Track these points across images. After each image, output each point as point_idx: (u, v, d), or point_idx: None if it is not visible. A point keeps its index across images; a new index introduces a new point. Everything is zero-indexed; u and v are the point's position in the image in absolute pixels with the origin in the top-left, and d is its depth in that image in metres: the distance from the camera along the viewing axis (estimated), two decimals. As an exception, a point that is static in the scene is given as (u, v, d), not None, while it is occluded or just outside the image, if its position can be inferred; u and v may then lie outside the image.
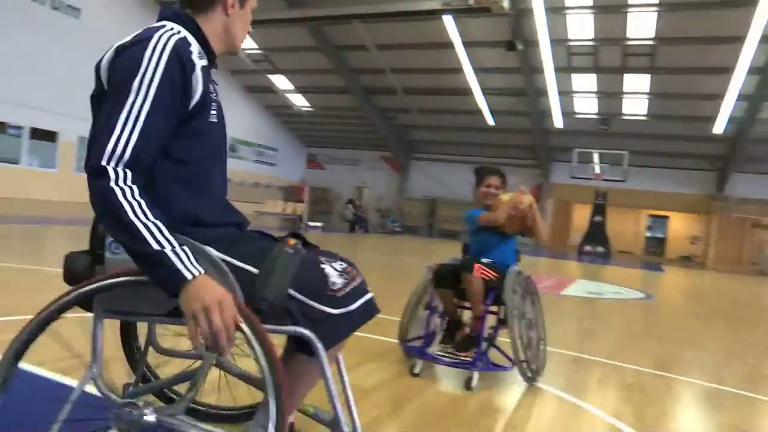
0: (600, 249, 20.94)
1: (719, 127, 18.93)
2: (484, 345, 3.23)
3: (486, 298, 3.22)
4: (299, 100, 24.95)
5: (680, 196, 23.06)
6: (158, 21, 1.46)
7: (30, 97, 16.45)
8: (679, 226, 25.32)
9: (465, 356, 3.26)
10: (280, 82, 23.63)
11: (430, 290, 3.43)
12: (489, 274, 3.21)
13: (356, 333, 1.57)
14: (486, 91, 20.14)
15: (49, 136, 17.86)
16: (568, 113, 20.85)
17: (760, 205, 22.01)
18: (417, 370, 3.16)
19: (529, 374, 3.16)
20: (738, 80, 16.09)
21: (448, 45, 17.65)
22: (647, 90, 19.03)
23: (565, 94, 19.78)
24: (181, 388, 1.68)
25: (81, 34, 17.32)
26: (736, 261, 22.69)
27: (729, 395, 3.52)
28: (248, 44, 21.04)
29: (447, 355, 3.30)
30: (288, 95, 24.47)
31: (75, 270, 1.48)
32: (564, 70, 18.33)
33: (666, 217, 25.78)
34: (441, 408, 2.76)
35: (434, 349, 3.35)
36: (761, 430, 3.06)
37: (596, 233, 21.42)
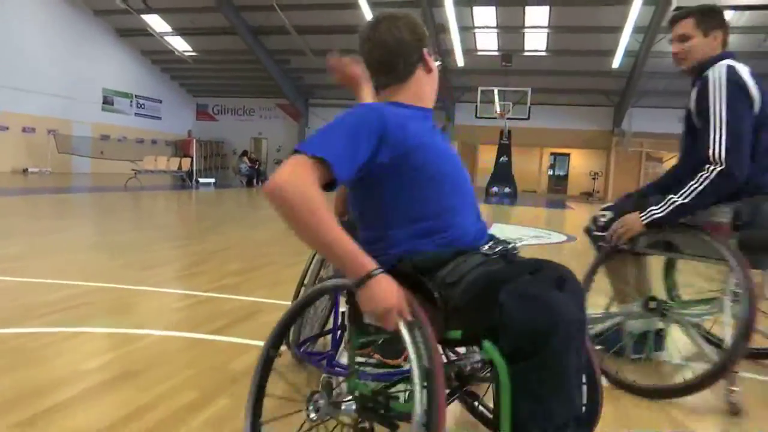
0: (507, 189, 20.69)
1: (616, 62, 18.83)
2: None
3: None
4: (180, 44, 22.38)
5: (580, 133, 23.20)
6: None
7: None
8: (580, 162, 25.72)
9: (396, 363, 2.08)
10: (155, 22, 20.96)
11: None
12: None
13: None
14: (384, 28, 18.78)
15: None
16: (469, 51, 20.01)
17: (653, 139, 22.57)
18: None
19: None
20: (635, 11, 15.79)
21: (340, -24, 16.09)
22: (547, 23, 18.50)
23: (466, 30, 18.86)
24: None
25: None
26: (633, 193, 23.35)
27: None
28: (111, -22, 18.30)
29: (371, 364, 2.05)
30: (167, 38, 21.83)
31: None
32: (463, 3, 17.32)
33: (567, 155, 26.09)
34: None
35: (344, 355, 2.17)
36: None
37: (502, 174, 21.11)
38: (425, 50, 1.54)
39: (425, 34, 1.56)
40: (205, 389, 2.14)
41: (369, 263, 1.22)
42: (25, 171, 18.95)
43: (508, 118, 20.68)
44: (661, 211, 2.20)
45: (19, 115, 18.80)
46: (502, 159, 21.30)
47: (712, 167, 2.12)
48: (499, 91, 20.51)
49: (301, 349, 2.35)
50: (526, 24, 18.58)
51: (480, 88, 20.49)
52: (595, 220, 2.61)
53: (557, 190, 26.11)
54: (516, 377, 1.18)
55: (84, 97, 21.39)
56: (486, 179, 21.95)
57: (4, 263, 4.25)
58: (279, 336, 1.53)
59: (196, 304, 3.44)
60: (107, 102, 22.89)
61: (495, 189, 20.82)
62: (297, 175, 1.20)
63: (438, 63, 1.60)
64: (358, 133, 1.31)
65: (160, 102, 25.74)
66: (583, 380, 1.37)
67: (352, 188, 1.45)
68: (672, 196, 2.19)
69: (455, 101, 23.72)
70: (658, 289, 2.67)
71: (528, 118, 20.39)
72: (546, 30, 18.85)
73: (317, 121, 25.61)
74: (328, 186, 1.29)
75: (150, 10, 20.00)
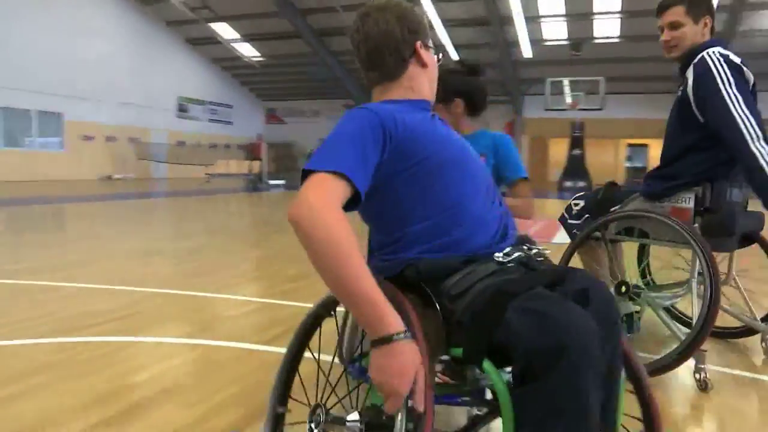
0: (581, 183, 19.87)
1: (697, 44, 17.64)
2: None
3: None
4: (247, 50, 22.95)
5: (659, 122, 21.80)
6: None
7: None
8: (659, 153, 24.37)
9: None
10: (224, 30, 21.58)
11: None
12: None
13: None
14: (447, 23, 18.48)
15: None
16: (536, 41, 19.34)
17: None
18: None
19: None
20: (718, -12, 14.73)
21: (402, -28, 15.90)
22: (619, 8, 17.58)
23: (533, 19, 18.23)
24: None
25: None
26: (719, 184, 21.91)
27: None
28: (181, -10, 18.98)
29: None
30: (234, 45, 22.44)
31: None
32: (530, -8, 16.77)
33: (645, 146, 24.79)
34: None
35: None
36: None
37: (575, 167, 20.30)
38: (418, 43, 1.40)
39: (420, 25, 1.41)
40: (251, 407, 2.02)
41: (394, 323, 1.01)
42: (109, 177, 20.00)
43: (579, 109, 19.84)
44: None
45: (102, 126, 19.85)
46: (574, 152, 20.51)
47: (759, 144, 2.05)
48: (569, 81, 19.70)
49: (356, 366, 2.19)
50: (596, 10, 17.73)
51: (549, 80, 19.74)
52: (568, 208, 2.74)
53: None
54: (521, 403, 1.04)
55: (160, 106, 22.34)
56: (558, 174, 21.19)
57: (70, 269, 4.37)
58: (284, 388, 1.37)
59: (252, 312, 3.37)
60: (182, 109, 23.79)
61: (568, 183, 20.05)
62: (321, 201, 1.06)
63: (439, 56, 1.48)
64: (363, 138, 1.20)
65: (231, 107, 26.50)
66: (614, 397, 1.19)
67: None
68: None
69: (523, 94, 23.04)
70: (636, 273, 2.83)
71: (601, 109, 19.46)
72: (618, 15, 17.91)
73: (383, 120, 25.57)
74: (351, 202, 1.16)
75: (218, 18, 20.61)
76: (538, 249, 1.31)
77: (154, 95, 21.81)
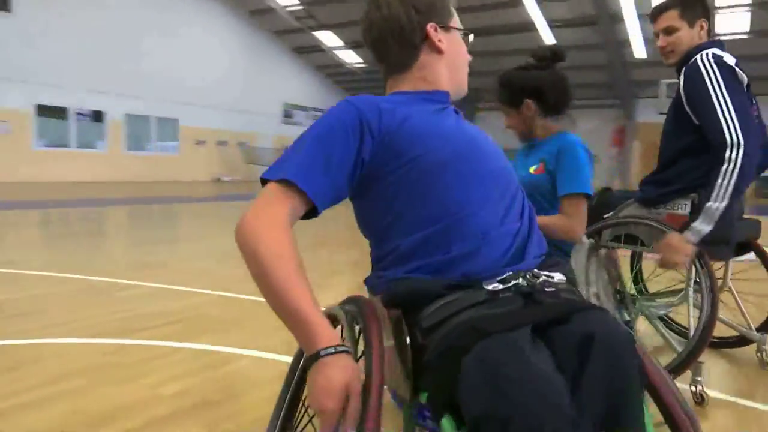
0: (697, 193, 18.27)
1: (843, 38, 15.66)
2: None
3: None
4: (350, 57, 23.38)
5: (794, 126, 19.74)
6: None
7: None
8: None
9: None
10: (327, 38, 22.14)
11: None
12: None
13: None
14: (552, 24, 17.71)
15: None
16: (651, 39, 18.01)
17: None
18: None
19: None
20: None
21: (504, -27, 15.46)
22: (749, 0, 15.98)
23: (646, 17, 17.01)
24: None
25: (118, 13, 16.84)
26: None
27: None
28: (288, 0, 19.65)
29: None
30: (336, 52, 22.95)
31: None
32: (644, -13, 15.66)
33: (776, 152, 22.36)
34: None
35: None
36: None
37: (692, 176, 18.67)
38: (430, 26, 1.21)
39: (432, 5, 1.23)
40: (277, 429, 1.88)
41: (322, 339, 0.89)
42: (218, 179, 21.15)
43: (699, 113, 18.26)
44: (708, 224, 2.00)
45: (213, 131, 21.06)
46: (691, 159, 18.88)
47: (734, 153, 1.97)
48: (688, 82, 18.17)
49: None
50: (720, 3, 16.22)
51: (664, 81, 18.29)
52: None
53: (766, 194, 22.48)
54: None
55: (267, 112, 23.34)
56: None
57: (150, 269, 4.50)
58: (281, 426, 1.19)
59: (311, 321, 3.27)
60: (287, 115, 24.68)
61: (683, 193, 18.49)
62: (260, 217, 0.98)
63: (468, 39, 1.28)
64: (331, 138, 1.06)
65: (333, 113, 27.16)
66: None
67: (350, 198, 1.18)
68: (710, 203, 1.98)
69: (635, 97, 21.60)
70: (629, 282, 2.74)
71: (724, 112, 17.77)
72: (747, 8, 16.29)
73: (486, 127, 25.03)
74: (315, 210, 1.05)
75: (322, 27, 21.16)
76: (548, 277, 1.04)
77: (261, 101, 22.82)
